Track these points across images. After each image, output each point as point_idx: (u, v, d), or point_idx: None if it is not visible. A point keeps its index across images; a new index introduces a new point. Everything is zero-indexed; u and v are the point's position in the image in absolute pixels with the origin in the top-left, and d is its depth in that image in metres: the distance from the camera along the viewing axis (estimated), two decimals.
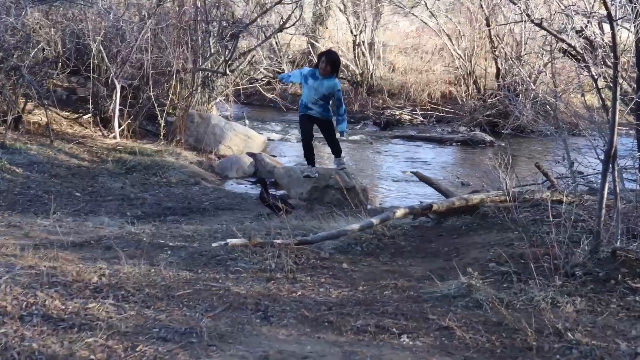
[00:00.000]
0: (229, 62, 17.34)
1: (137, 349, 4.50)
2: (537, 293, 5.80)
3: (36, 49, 15.66)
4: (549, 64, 17.29)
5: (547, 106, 11.58)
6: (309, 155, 11.89)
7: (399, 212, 8.19)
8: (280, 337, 4.91)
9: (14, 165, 12.76)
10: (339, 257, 7.25)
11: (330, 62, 11.48)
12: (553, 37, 10.22)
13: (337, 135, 11.93)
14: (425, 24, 26.25)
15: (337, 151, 12.10)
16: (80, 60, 17.23)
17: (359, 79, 25.96)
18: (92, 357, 4.33)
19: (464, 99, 23.85)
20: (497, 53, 22.69)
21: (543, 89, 16.98)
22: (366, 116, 24.14)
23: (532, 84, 18.12)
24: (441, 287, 6.07)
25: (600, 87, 7.66)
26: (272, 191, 12.00)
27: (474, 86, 23.76)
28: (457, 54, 24.10)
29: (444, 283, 6.16)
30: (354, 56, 26.28)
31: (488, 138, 20.30)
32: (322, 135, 12.10)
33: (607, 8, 6.44)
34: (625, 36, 9.05)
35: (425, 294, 6.02)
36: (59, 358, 4.24)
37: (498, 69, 22.94)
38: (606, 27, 8.27)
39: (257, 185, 11.03)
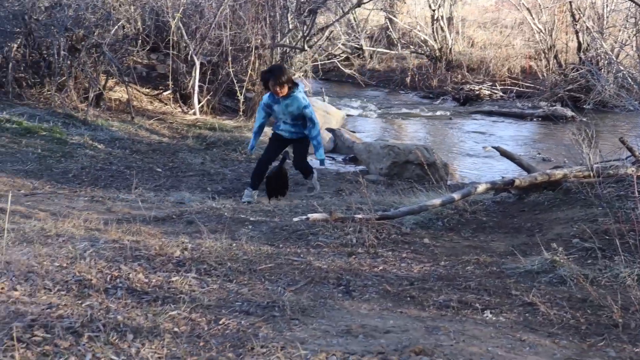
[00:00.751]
0: (307, 37, 17.34)
1: (220, 322, 4.52)
2: (622, 269, 5.69)
3: (116, 27, 15.86)
4: (633, 37, 16.99)
5: (631, 80, 11.37)
6: (258, 178, 10.19)
7: (481, 188, 8.09)
8: (362, 312, 4.89)
9: (96, 142, 12.97)
10: (420, 232, 7.21)
11: (275, 81, 9.69)
12: (638, 9, 10.02)
13: (317, 165, 10.55)
14: None
15: (306, 172, 10.48)
16: (160, 37, 17.43)
17: (437, 54, 25.81)
18: (175, 329, 4.36)
19: (545, 74, 23.54)
20: (578, 26, 22.33)
21: (626, 63, 16.72)
22: (445, 91, 24.07)
23: (614, 57, 17.84)
24: (524, 262, 5.99)
25: None
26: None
27: (555, 60, 23.41)
28: (537, 28, 23.77)
29: (527, 259, 6.08)
30: (433, 31, 26.14)
31: (569, 113, 20.01)
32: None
33: None
34: None
35: (508, 270, 5.95)
36: (143, 330, 4.27)
37: (579, 43, 22.60)
38: None
39: (280, 159, 10.25)
